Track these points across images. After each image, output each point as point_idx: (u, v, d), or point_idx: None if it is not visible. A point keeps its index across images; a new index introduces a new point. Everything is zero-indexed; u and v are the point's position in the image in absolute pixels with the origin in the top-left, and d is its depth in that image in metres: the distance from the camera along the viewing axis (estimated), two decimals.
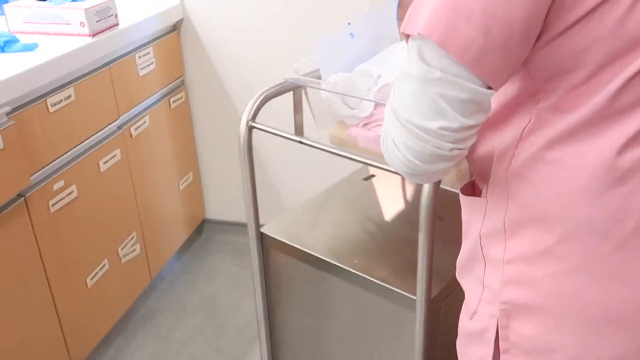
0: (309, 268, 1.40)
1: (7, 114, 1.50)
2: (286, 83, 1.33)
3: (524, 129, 0.80)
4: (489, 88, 0.75)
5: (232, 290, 2.29)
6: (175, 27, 2.23)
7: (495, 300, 0.86)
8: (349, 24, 1.29)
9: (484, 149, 0.87)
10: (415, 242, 1.14)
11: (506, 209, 0.83)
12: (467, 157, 0.90)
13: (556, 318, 0.80)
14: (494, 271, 0.86)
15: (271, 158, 2.39)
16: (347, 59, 1.30)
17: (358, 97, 1.25)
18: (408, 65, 0.77)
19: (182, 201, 2.39)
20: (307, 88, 1.32)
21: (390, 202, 1.57)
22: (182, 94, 2.30)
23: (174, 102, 2.25)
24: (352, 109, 1.28)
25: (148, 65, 2.06)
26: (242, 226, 2.60)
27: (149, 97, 2.09)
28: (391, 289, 1.26)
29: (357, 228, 1.46)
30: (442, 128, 0.75)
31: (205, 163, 2.50)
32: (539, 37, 0.73)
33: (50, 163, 1.67)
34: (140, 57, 2.01)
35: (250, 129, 1.34)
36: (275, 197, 2.47)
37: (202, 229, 2.61)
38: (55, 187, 1.69)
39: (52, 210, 1.68)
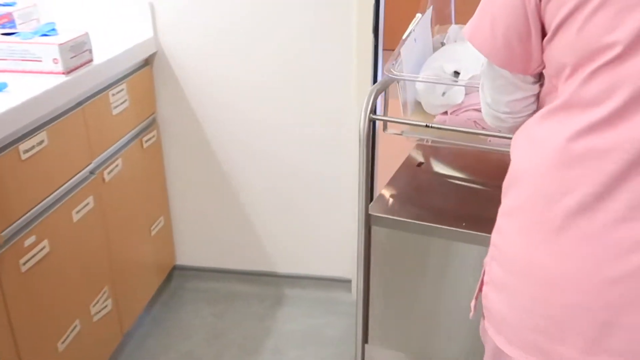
0: (419, 238, 1.50)
1: None
2: (388, 79, 1.48)
3: (536, 110, 1.02)
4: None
5: (211, 344, 2.11)
6: (148, 62, 2.07)
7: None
8: (413, 30, 1.49)
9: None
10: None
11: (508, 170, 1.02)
12: None
13: (509, 265, 0.98)
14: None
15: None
16: (414, 60, 1.51)
17: (458, 85, 1.46)
18: None
19: (153, 248, 2.20)
20: (400, 83, 1.51)
21: (459, 175, 1.71)
22: (154, 132, 2.13)
23: (146, 141, 2.08)
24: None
25: (122, 103, 1.89)
26: (215, 272, 2.43)
27: (122, 138, 1.92)
28: None
29: (444, 200, 1.59)
30: (491, 101, 1.09)
31: (176, 206, 2.32)
32: (544, 39, 0.95)
33: (22, 217, 1.48)
34: (113, 94, 1.84)
35: (370, 121, 1.45)
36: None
37: (171, 277, 2.42)
38: (27, 243, 1.49)
39: (23, 269, 1.48)
